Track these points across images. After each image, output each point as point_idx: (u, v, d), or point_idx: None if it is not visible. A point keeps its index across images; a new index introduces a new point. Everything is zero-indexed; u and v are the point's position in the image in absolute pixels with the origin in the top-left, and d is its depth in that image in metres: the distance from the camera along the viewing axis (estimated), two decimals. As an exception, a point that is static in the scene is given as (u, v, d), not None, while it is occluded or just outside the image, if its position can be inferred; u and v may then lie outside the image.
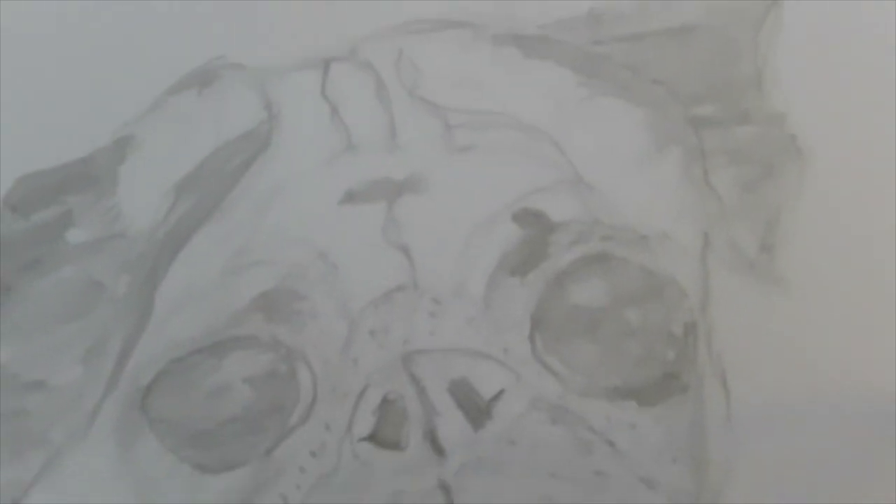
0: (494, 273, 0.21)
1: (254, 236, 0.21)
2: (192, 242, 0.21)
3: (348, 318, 0.20)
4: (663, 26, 0.22)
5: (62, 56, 0.22)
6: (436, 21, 0.22)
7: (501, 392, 0.20)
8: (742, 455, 0.21)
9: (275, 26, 0.22)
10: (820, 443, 0.21)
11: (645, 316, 0.21)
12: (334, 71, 0.22)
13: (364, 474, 0.20)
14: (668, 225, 0.21)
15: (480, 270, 0.21)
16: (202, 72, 0.22)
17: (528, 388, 0.21)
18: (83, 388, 0.21)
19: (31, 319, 0.20)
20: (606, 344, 0.21)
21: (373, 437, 0.20)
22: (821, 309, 0.21)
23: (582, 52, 0.22)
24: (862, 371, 0.21)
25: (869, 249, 0.22)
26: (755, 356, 0.21)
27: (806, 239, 0.21)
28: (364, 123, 0.21)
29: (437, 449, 0.20)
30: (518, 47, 0.22)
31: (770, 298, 0.21)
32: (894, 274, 0.21)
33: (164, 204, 0.21)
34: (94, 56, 0.22)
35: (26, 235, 0.20)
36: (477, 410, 0.20)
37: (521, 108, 0.22)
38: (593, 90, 0.22)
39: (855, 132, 0.22)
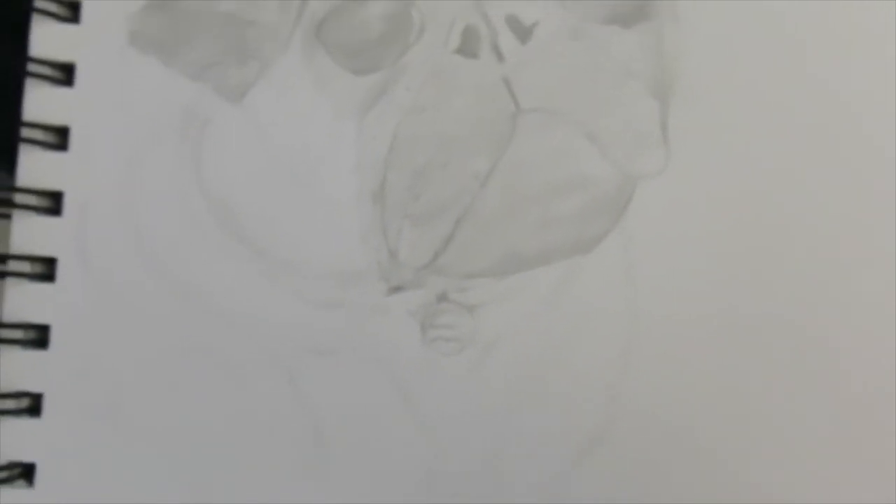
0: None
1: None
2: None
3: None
4: None
5: None
6: None
7: (536, 23, 0.30)
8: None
9: None
10: None
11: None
12: None
13: (453, 76, 0.30)
14: None
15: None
16: None
17: (550, 22, 0.30)
18: (278, 23, 0.30)
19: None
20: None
21: (459, 50, 0.30)
22: None
23: None
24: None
25: None
26: None
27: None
28: None
29: (499, 55, 0.30)
30: None
31: None
32: None
33: None
34: None
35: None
36: (522, 31, 0.30)
37: None
38: None
39: None
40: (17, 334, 0.29)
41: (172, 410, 0.29)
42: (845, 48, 0.31)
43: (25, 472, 0.29)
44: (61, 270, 0.29)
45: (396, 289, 0.30)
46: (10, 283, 0.29)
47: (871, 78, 0.31)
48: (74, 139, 0.30)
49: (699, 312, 0.30)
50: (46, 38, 0.30)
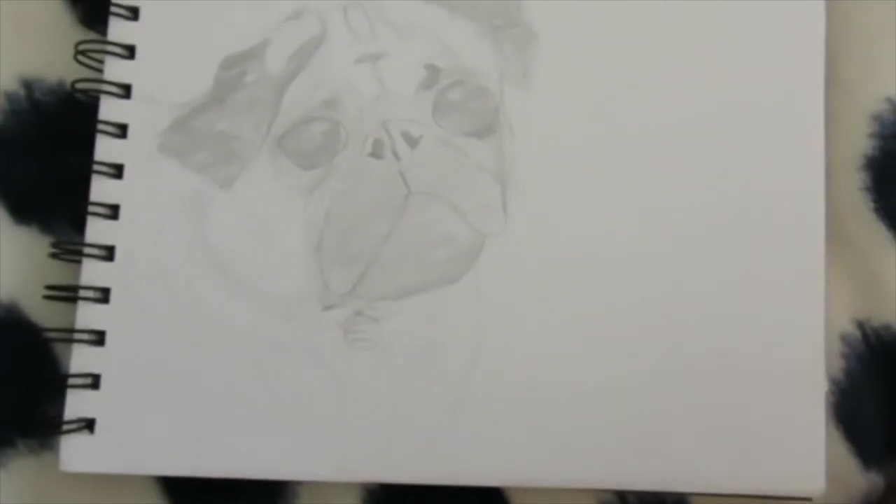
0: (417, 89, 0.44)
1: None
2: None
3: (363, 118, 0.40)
4: None
5: None
6: None
7: (421, 136, 0.40)
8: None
9: None
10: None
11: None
12: None
13: (367, 171, 0.40)
14: None
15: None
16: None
17: (430, 136, 0.40)
18: (254, 137, 0.40)
19: (233, 118, 0.41)
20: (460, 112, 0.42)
21: (371, 154, 0.40)
22: None
23: None
24: None
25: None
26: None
27: None
28: None
29: (397, 157, 0.40)
30: None
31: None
32: None
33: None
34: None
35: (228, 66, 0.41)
36: (412, 141, 0.40)
37: None
38: None
39: None
40: (85, 336, 0.40)
41: (182, 384, 0.40)
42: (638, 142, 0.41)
43: (88, 425, 0.40)
44: (113, 296, 0.40)
45: (329, 307, 0.40)
46: (81, 304, 0.40)
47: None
48: (122, 212, 0.41)
49: (523, 322, 0.40)
50: (106, 149, 0.41)
